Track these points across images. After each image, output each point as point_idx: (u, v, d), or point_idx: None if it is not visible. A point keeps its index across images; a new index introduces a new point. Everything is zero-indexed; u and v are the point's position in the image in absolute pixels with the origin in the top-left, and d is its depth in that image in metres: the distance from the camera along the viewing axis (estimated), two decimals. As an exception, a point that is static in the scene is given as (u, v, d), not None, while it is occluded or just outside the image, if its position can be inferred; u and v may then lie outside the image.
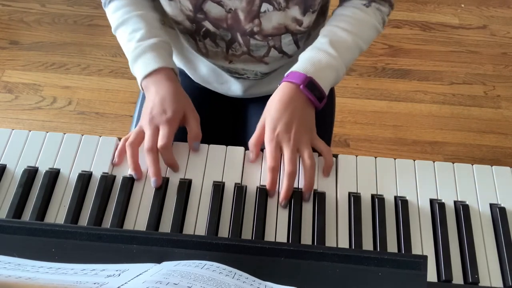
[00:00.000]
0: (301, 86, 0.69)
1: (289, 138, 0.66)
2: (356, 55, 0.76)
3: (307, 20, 0.76)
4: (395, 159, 0.68)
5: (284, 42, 0.80)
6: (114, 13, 0.77)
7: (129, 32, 0.74)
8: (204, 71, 0.92)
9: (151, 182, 0.64)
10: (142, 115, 0.70)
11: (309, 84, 0.69)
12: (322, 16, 0.83)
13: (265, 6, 0.72)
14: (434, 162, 0.68)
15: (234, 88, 0.93)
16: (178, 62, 0.95)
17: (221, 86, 0.94)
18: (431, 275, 0.58)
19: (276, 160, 0.65)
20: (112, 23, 0.77)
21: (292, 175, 0.64)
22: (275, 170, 0.65)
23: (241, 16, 0.74)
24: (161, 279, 0.40)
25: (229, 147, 0.69)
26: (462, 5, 2.06)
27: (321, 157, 0.69)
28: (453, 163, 0.68)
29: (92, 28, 1.98)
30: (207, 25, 0.77)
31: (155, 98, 0.69)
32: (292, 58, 0.85)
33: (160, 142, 0.65)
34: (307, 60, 0.71)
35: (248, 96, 0.95)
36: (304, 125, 0.69)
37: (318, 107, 0.71)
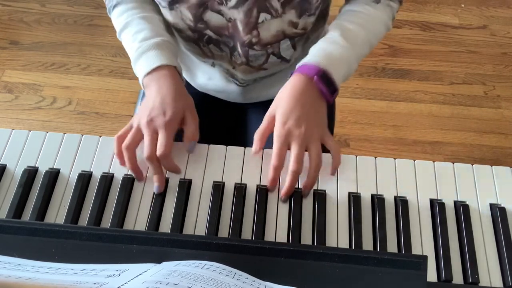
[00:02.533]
0: (314, 78, 0.66)
1: (300, 134, 0.64)
2: (367, 50, 0.74)
3: (302, 22, 0.75)
4: (395, 159, 0.68)
5: (282, 48, 0.79)
6: (118, 18, 0.76)
7: (132, 34, 0.73)
8: (202, 79, 0.92)
9: (154, 188, 0.64)
10: (140, 113, 0.67)
11: (323, 76, 0.67)
12: (322, 19, 0.83)
13: (262, 16, 0.72)
14: (434, 162, 0.68)
15: (232, 96, 0.93)
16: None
17: (219, 94, 0.94)
18: (431, 275, 0.58)
19: (281, 159, 0.64)
20: (116, 28, 0.77)
21: (297, 174, 0.63)
22: (278, 170, 0.64)
23: (240, 27, 0.74)
24: (161, 279, 0.40)
25: (229, 147, 0.69)
26: (462, 5, 2.06)
27: (329, 154, 0.67)
28: (453, 163, 0.68)
29: (92, 28, 1.98)
30: (209, 33, 0.77)
31: (155, 97, 0.67)
32: (290, 63, 0.84)
33: (159, 151, 0.63)
34: (319, 52, 0.69)
35: (248, 101, 0.95)
36: (316, 120, 0.67)
37: (330, 101, 0.69)
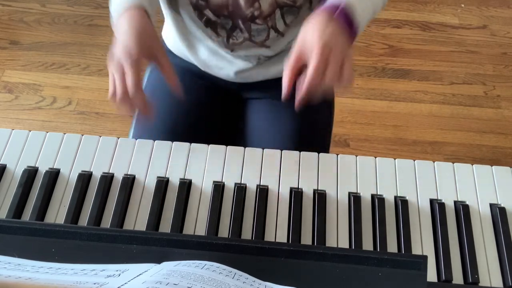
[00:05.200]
0: (338, 11, 0.62)
1: (338, 42, 0.60)
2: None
3: None
4: (395, 159, 0.68)
5: (276, 18, 0.80)
6: None
7: None
8: (205, 54, 0.91)
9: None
10: (110, 58, 0.65)
11: (346, 13, 0.63)
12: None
13: None
14: (434, 162, 0.68)
15: (233, 74, 0.92)
16: (181, 46, 0.94)
17: (221, 71, 0.94)
18: (431, 275, 0.58)
19: (319, 76, 0.59)
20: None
21: (320, 71, 0.58)
22: (313, 85, 0.59)
23: (241, 1, 0.75)
24: (161, 279, 0.40)
25: (229, 147, 0.69)
26: (462, 5, 2.06)
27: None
28: (453, 163, 0.68)
29: (92, 28, 1.98)
30: (208, 13, 0.77)
31: (118, 37, 0.65)
32: (285, 38, 0.84)
33: (130, 91, 0.62)
34: None
35: (246, 81, 0.94)
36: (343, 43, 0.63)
37: (350, 40, 0.64)
